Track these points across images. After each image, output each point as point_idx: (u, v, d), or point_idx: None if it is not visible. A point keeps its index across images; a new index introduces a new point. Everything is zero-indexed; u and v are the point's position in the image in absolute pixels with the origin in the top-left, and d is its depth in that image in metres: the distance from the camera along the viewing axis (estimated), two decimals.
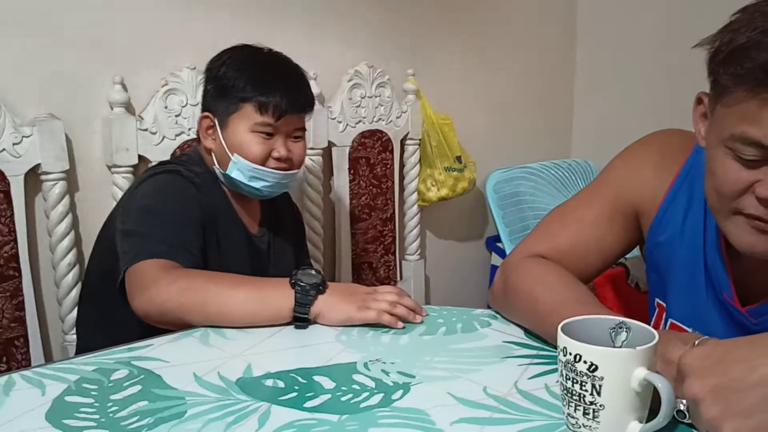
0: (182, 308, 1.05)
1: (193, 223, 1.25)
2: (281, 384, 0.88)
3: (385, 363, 0.93)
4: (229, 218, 1.37)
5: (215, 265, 1.26)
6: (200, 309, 1.05)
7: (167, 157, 1.63)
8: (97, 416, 0.80)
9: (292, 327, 1.05)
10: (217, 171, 1.37)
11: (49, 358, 1.60)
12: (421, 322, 1.07)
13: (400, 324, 1.05)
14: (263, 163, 1.34)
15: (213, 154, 1.37)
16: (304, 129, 1.40)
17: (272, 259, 1.45)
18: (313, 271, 1.09)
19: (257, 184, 1.35)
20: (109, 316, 1.26)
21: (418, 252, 2.30)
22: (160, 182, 1.28)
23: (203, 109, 1.39)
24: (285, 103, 1.32)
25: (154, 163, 1.42)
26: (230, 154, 1.33)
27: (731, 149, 0.79)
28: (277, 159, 1.35)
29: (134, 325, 1.12)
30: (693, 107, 0.87)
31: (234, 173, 1.34)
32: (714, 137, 0.82)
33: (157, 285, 1.08)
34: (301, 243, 1.60)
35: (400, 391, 0.85)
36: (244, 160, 1.32)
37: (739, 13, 0.78)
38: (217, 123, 1.35)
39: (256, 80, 1.32)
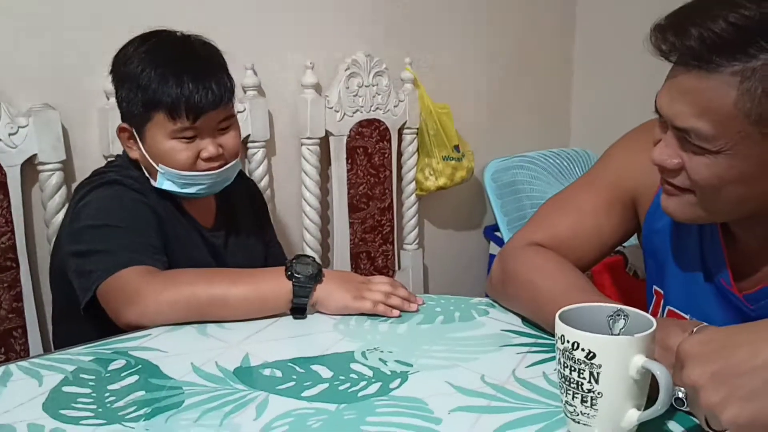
0: (177, 318, 1.03)
1: (148, 226, 1.19)
2: (279, 373, 0.88)
3: (382, 352, 0.93)
4: (178, 218, 1.28)
5: (173, 267, 1.17)
6: (196, 315, 1.03)
7: None
8: (94, 406, 0.80)
9: (289, 317, 1.05)
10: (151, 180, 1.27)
11: (47, 349, 1.60)
12: (417, 311, 1.07)
13: (396, 312, 1.05)
14: (192, 167, 1.22)
15: (141, 165, 1.27)
16: (231, 116, 1.26)
17: (231, 251, 1.36)
18: (309, 259, 1.08)
19: (192, 190, 1.24)
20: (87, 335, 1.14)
21: (417, 241, 2.30)
22: (102, 196, 1.20)
23: (121, 118, 1.27)
24: (198, 101, 1.18)
25: (89, 174, 1.29)
26: (155, 165, 1.22)
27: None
28: (207, 159, 1.22)
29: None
30: None
31: (165, 184, 1.23)
32: None
33: (143, 298, 1.03)
34: (264, 224, 1.51)
35: (398, 380, 0.85)
36: (172, 170, 1.21)
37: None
38: (135, 133, 1.24)
39: (159, 83, 1.18)
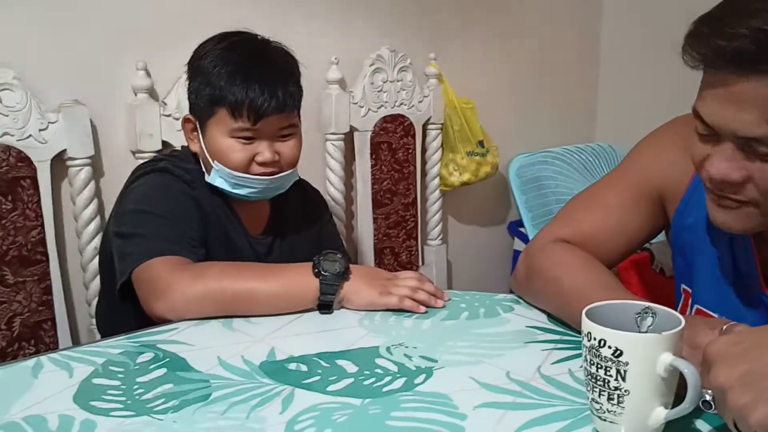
0: (204, 312, 1.04)
1: (190, 218, 1.20)
2: (304, 368, 0.88)
3: (407, 347, 0.93)
4: (226, 217, 1.28)
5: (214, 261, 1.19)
6: (223, 310, 1.04)
7: None
8: (123, 398, 0.81)
9: (315, 312, 1.06)
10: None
11: (76, 341, 1.63)
12: (443, 307, 1.07)
13: (422, 308, 1.05)
14: (246, 169, 1.22)
15: (200, 158, 1.29)
16: (294, 125, 1.26)
17: (274, 259, 1.33)
18: (337, 256, 1.08)
19: (242, 191, 1.25)
20: (125, 320, 1.16)
21: (441, 237, 2.30)
22: (150, 183, 1.22)
23: (189, 109, 1.29)
24: (261, 104, 1.19)
25: (144, 160, 1.31)
26: (211, 161, 1.24)
27: (695, 124, 0.82)
28: (262, 164, 1.23)
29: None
30: None
31: (217, 181, 1.24)
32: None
33: (173, 292, 1.05)
34: (324, 237, 1.44)
35: (423, 376, 0.85)
36: (225, 168, 1.22)
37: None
38: (198, 126, 1.26)
39: (228, 80, 1.20)
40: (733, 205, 0.81)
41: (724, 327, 0.72)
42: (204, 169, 1.28)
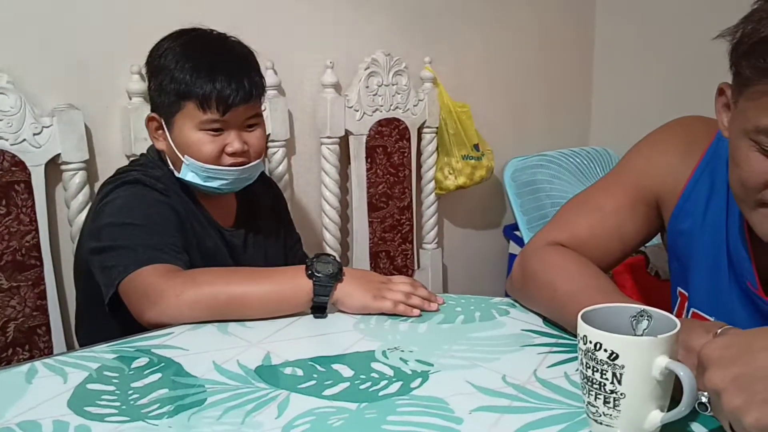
0: (198, 317, 1.03)
1: (170, 225, 1.20)
2: (300, 372, 0.88)
3: (403, 351, 0.93)
4: (199, 217, 1.30)
5: (192, 266, 1.18)
6: (216, 315, 1.04)
7: None
8: (118, 403, 0.81)
9: (310, 316, 1.06)
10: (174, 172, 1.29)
11: (70, 347, 1.62)
12: (437, 310, 1.07)
13: (416, 312, 1.05)
14: (217, 161, 1.25)
15: (167, 156, 1.29)
16: (259, 115, 1.30)
17: (249, 251, 1.37)
18: (330, 258, 1.08)
19: (214, 184, 1.26)
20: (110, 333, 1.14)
21: (436, 240, 2.30)
22: (124, 195, 1.21)
23: (151, 108, 1.30)
24: (229, 95, 1.22)
25: (113, 173, 1.31)
26: (181, 156, 1.25)
27: (756, 141, 0.78)
28: (232, 154, 1.25)
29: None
30: (715, 98, 0.86)
31: (188, 176, 1.25)
32: (737, 129, 0.81)
33: (164, 299, 1.04)
34: (285, 226, 1.51)
35: (419, 380, 0.85)
36: (196, 161, 1.24)
37: (762, 2, 0.77)
38: (163, 123, 1.27)
39: (193, 74, 1.21)
40: None
41: (719, 330, 0.72)
42: (173, 167, 1.29)
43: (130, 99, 1.63)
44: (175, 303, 1.03)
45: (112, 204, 1.21)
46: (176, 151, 1.26)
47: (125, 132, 1.64)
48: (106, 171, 1.65)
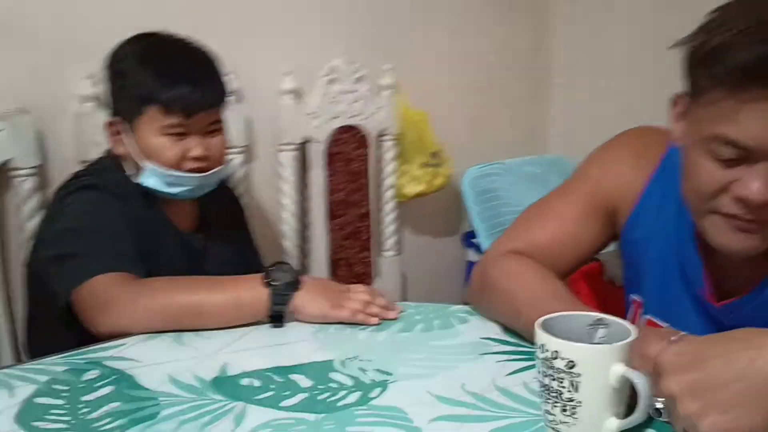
0: (153, 326, 1.01)
1: (127, 233, 1.17)
2: (257, 383, 0.87)
3: (362, 361, 0.92)
4: (158, 222, 1.28)
5: (152, 272, 1.16)
6: (172, 324, 1.01)
7: None
8: (67, 418, 0.79)
9: (267, 325, 1.04)
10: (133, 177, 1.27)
11: (18, 359, 1.57)
12: (396, 318, 1.07)
13: (375, 319, 1.05)
14: (179, 166, 1.23)
15: (126, 160, 1.27)
16: (220, 121, 1.29)
17: (210, 257, 1.36)
18: (287, 266, 1.07)
19: (175, 190, 1.25)
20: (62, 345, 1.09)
21: (395, 248, 2.30)
22: (80, 201, 1.19)
23: (111, 113, 1.28)
24: (193, 99, 1.21)
25: (68, 177, 1.28)
26: (142, 161, 1.23)
27: (709, 150, 0.79)
28: (195, 159, 1.24)
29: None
30: (669, 109, 0.88)
31: (150, 181, 1.24)
32: (691, 138, 0.82)
33: (118, 306, 1.02)
34: (245, 234, 1.51)
35: (378, 389, 0.85)
36: (158, 167, 1.22)
37: (715, 13, 0.79)
38: (124, 128, 1.25)
39: (157, 78, 1.20)
40: (755, 228, 0.79)
41: (674, 338, 0.73)
42: (132, 172, 1.26)
43: (83, 103, 1.59)
44: (129, 311, 1.01)
45: (68, 209, 1.18)
46: (137, 156, 1.23)
47: (78, 137, 1.60)
48: (59, 177, 1.61)
